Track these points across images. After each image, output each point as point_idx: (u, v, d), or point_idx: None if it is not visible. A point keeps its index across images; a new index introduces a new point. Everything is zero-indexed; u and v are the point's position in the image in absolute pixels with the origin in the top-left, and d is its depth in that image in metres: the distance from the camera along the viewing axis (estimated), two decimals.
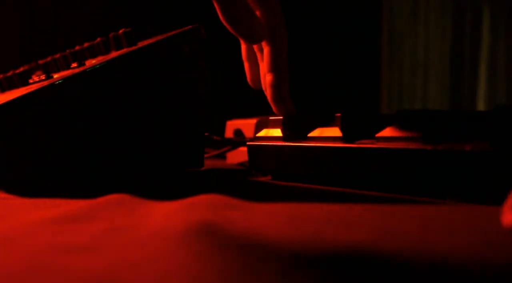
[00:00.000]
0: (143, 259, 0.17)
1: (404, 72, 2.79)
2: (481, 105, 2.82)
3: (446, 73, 2.83)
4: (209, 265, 0.16)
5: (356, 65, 2.39)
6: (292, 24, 0.56)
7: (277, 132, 0.43)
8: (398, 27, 2.77)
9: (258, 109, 0.59)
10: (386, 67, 2.71)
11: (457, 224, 0.25)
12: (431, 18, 2.82)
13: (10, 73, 0.57)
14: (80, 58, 0.50)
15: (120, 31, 0.47)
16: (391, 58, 2.74)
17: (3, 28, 1.53)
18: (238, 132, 0.62)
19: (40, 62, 0.56)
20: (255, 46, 0.46)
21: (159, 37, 0.46)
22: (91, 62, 0.45)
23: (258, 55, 0.46)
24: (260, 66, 0.46)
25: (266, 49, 0.44)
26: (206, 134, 0.51)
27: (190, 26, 0.45)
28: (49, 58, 0.54)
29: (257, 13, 0.43)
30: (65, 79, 0.39)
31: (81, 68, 0.42)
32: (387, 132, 0.35)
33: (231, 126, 0.64)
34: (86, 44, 0.51)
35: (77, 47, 0.52)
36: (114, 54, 0.46)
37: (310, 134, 0.41)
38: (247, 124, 0.61)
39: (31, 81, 0.48)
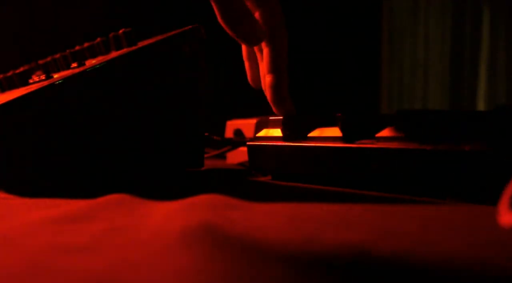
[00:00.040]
0: (143, 259, 0.17)
1: (404, 72, 2.79)
2: (481, 105, 2.82)
3: (446, 73, 2.83)
4: (209, 265, 0.16)
5: (356, 65, 2.40)
6: (292, 24, 0.56)
7: (277, 132, 0.43)
8: (398, 27, 2.77)
9: (258, 109, 0.59)
10: (386, 67, 2.72)
11: (457, 224, 0.25)
12: (431, 18, 2.82)
13: (10, 73, 0.57)
14: (80, 58, 0.50)
15: (120, 31, 0.47)
16: (391, 58, 2.74)
17: (3, 28, 1.53)
18: (238, 132, 0.62)
19: (40, 62, 0.56)
20: (255, 47, 0.46)
21: (159, 37, 0.46)
22: (91, 62, 0.45)
23: (258, 55, 0.46)
24: (260, 66, 0.46)
25: (266, 50, 0.43)
26: (206, 134, 0.51)
27: (190, 26, 0.45)
28: (49, 58, 0.54)
29: (257, 13, 0.43)
30: (65, 79, 0.39)
31: (81, 68, 0.42)
32: (387, 132, 0.35)
33: (231, 126, 0.64)
34: (86, 44, 0.51)
35: (77, 47, 0.52)
36: (114, 54, 0.46)
37: (310, 135, 0.41)
38: (247, 124, 0.60)
39: (31, 81, 0.48)
